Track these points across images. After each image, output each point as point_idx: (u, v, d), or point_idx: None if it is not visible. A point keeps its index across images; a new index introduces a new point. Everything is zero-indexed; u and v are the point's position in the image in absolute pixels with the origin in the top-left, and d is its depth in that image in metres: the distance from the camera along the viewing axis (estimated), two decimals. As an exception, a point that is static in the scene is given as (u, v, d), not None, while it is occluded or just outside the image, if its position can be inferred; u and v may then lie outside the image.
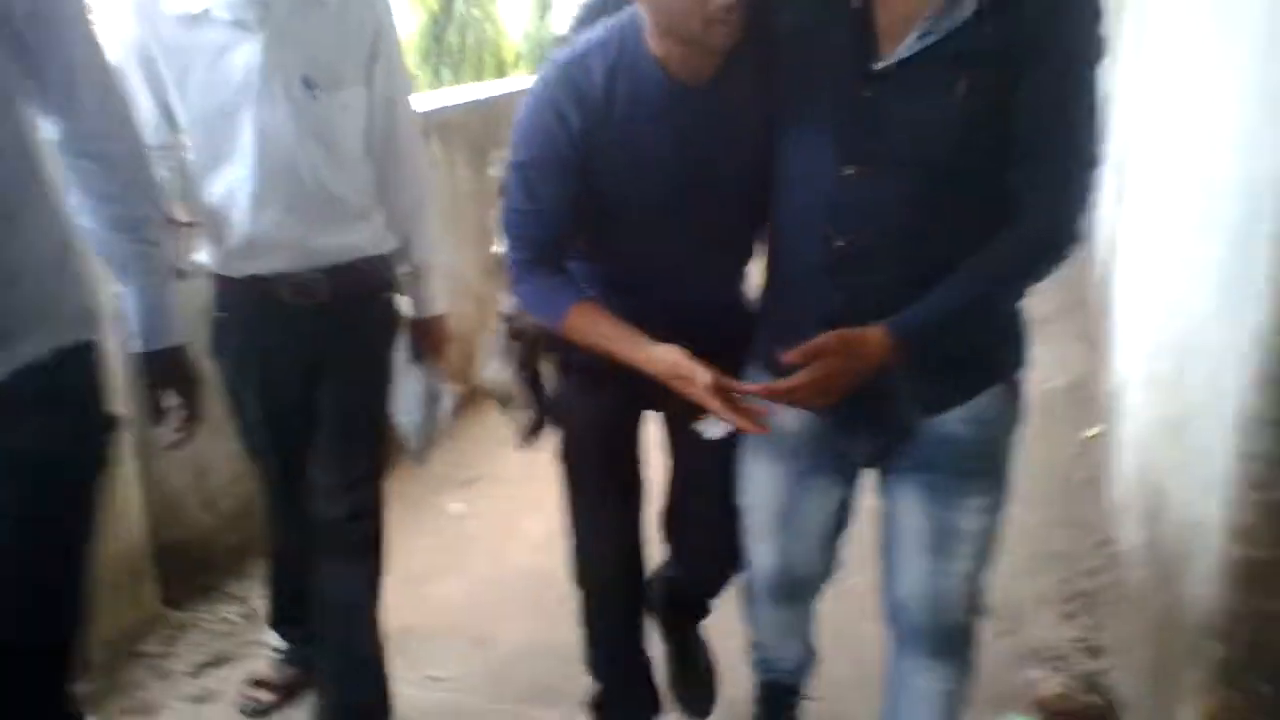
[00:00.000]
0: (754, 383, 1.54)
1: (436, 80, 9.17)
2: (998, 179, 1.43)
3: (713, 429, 1.65)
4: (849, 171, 1.46)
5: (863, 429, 1.61)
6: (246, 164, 1.92)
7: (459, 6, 9.52)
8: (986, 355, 1.57)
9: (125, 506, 2.50)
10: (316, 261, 2.00)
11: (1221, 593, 1.58)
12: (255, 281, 2.00)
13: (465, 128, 4.18)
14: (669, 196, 1.62)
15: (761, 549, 1.81)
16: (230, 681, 2.45)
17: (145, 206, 1.63)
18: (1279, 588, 1.52)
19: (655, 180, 1.61)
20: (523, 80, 7.62)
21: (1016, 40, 1.36)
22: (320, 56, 1.91)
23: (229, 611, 2.71)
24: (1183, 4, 2.54)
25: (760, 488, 1.76)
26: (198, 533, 2.83)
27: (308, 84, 1.90)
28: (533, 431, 2.01)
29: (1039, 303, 1.59)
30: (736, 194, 1.65)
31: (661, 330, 1.60)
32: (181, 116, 1.92)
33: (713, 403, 1.50)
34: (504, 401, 1.98)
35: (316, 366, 2.06)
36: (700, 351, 1.56)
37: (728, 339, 1.70)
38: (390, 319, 2.17)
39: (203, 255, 2.04)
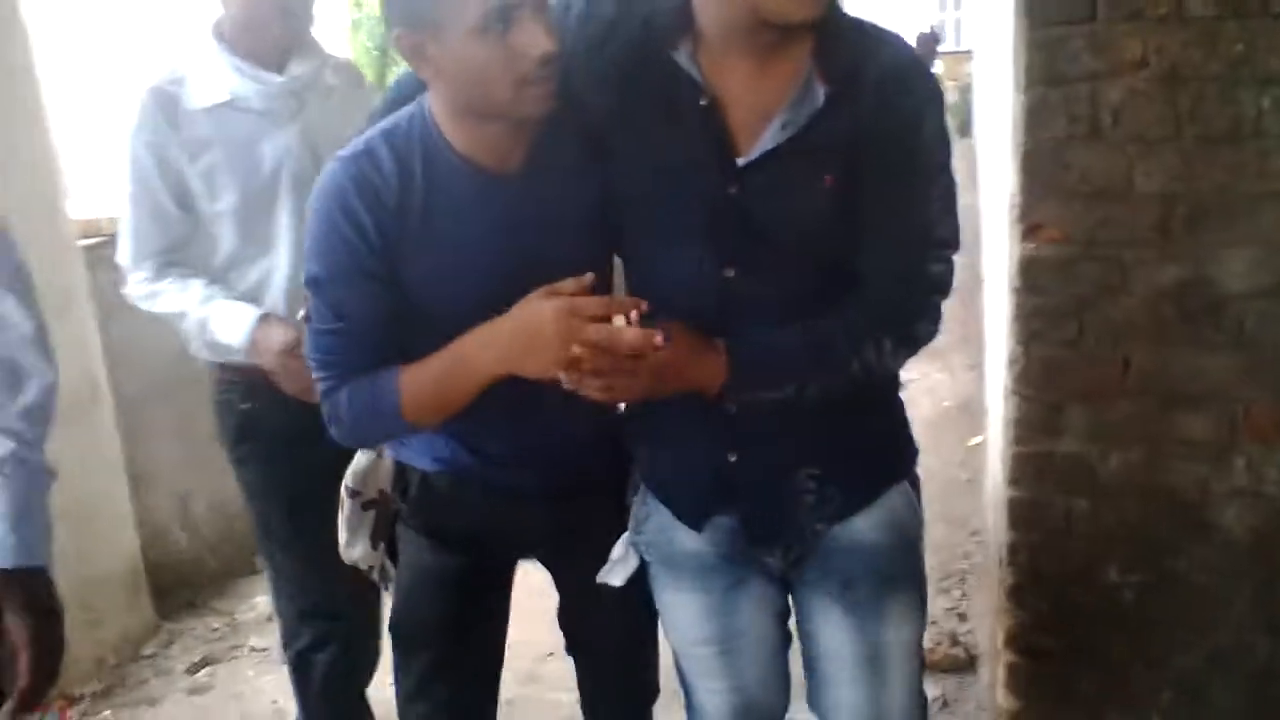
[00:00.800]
0: (641, 505, 1.52)
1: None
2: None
3: (617, 573, 1.55)
4: (730, 274, 1.37)
5: (770, 540, 1.50)
6: (285, 249, 1.93)
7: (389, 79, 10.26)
8: (878, 456, 1.52)
9: (120, 529, 2.90)
10: None
11: (1005, 530, 2.03)
12: None
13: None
14: (493, 301, 1.34)
15: (708, 689, 1.59)
16: (219, 677, 2.82)
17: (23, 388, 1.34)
18: (1040, 522, 1.97)
19: (473, 284, 1.37)
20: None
21: (863, 128, 1.32)
22: (337, 143, 1.90)
23: (216, 622, 3.08)
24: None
25: (689, 621, 1.55)
26: (182, 556, 3.21)
27: None
28: None
29: (941, 336, 1.52)
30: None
31: (515, 470, 1.50)
32: (207, 211, 1.92)
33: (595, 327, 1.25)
34: (383, 581, 1.72)
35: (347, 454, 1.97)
36: (561, 489, 1.51)
37: (589, 471, 1.56)
38: None
39: (222, 342, 1.94)
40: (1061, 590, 2.02)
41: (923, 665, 1.56)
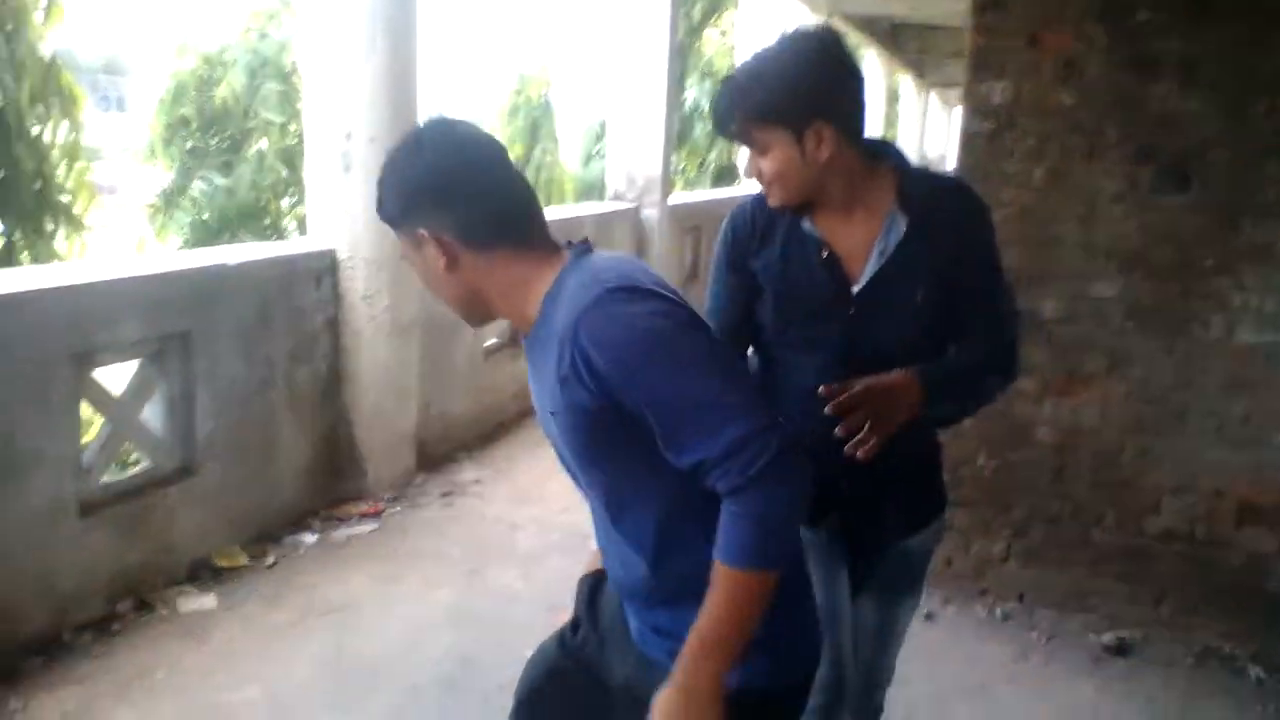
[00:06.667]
0: None
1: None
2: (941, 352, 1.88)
3: None
4: (850, 371, 1.79)
5: (863, 548, 1.93)
6: None
7: (536, 154, 12.59)
8: (934, 496, 2.02)
9: (409, 411, 4.74)
10: None
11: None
12: None
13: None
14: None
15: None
16: (456, 500, 4.68)
17: None
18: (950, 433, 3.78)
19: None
20: (576, 207, 10.16)
21: (942, 247, 1.79)
22: None
23: (449, 476, 4.94)
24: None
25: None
26: (424, 436, 5.05)
27: None
28: None
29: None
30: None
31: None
32: None
33: None
34: None
35: None
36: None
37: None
38: None
39: None
40: (954, 469, 3.81)
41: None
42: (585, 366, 1.33)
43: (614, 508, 1.50)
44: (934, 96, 27.61)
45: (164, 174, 8.66)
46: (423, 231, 1.42)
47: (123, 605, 3.44)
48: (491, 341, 5.87)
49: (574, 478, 1.56)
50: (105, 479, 3.49)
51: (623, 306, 1.33)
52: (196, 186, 8.50)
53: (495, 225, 1.43)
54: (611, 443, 1.40)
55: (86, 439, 3.49)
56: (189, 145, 8.61)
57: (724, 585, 1.34)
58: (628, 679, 1.59)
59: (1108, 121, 3.46)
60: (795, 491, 1.32)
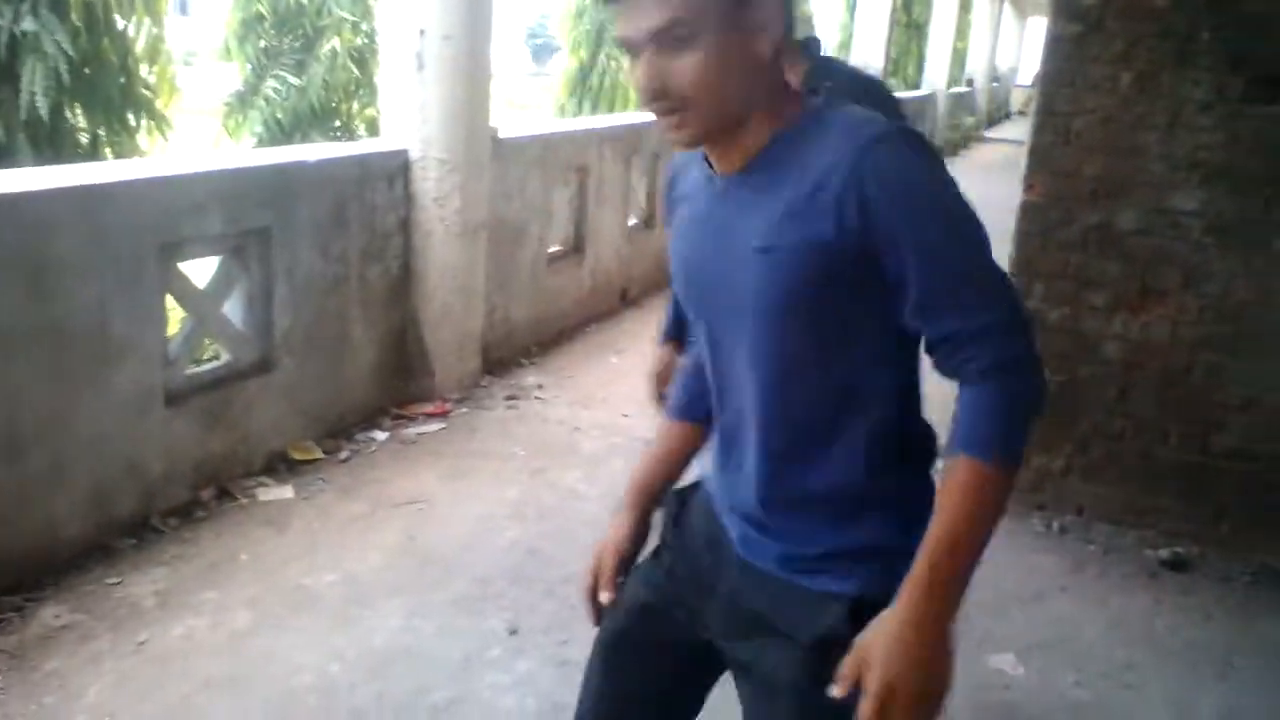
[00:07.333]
0: None
1: (581, 110, 11.99)
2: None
3: None
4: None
5: None
6: None
7: (600, 58, 12.37)
8: None
9: (476, 312, 4.82)
10: None
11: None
12: None
13: (618, 140, 6.53)
14: (685, 283, 1.42)
15: None
16: (521, 403, 4.77)
17: None
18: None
19: (678, 264, 1.43)
20: (640, 115, 10.04)
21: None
22: None
23: (511, 380, 5.04)
24: None
25: None
26: (488, 340, 5.14)
27: None
28: None
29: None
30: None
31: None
32: None
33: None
34: None
35: None
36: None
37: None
38: None
39: None
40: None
41: None
42: (856, 197, 1.18)
43: (786, 381, 1.31)
44: (1008, 7, 26.74)
45: (235, 75, 8.76)
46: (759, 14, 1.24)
47: (205, 493, 3.60)
48: (555, 249, 5.91)
49: (723, 358, 1.38)
50: (188, 371, 3.62)
51: (916, 151, 1.22)
52: (269, 86, 8.57)
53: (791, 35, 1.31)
54: (831, 290, 1.23)
55: (171, 331, 3.61)
56: (262, 44, 8.67)
57: (973, 484, 1.17)
58: (731, 591, 1.41)
59: (1201, 25, 3.36)
60: (1045, 391, 1.22)
